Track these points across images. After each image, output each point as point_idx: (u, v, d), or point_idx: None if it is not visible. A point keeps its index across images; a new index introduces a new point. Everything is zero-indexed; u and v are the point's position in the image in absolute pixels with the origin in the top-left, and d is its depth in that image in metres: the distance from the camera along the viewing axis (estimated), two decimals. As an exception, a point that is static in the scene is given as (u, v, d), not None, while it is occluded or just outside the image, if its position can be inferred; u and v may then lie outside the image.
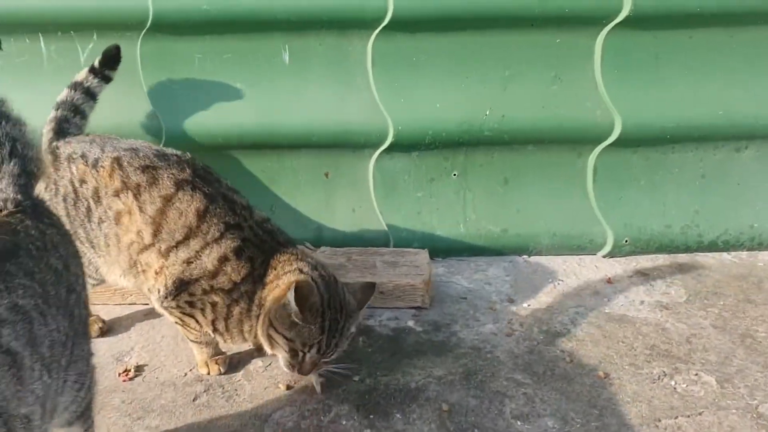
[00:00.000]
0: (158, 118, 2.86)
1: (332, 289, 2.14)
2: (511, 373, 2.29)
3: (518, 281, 2.87)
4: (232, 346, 2.37)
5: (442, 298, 2.74)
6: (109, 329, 2.55)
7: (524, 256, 3.06)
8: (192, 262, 2.14)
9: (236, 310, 2.16)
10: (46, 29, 2.81)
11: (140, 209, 2.15)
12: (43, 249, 1.53)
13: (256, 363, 2.37)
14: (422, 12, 2.79)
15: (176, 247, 2.14)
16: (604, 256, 3.03)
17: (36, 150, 1.67)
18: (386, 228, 3.00)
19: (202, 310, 2.18)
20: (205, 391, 2.23)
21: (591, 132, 2.93)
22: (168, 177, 2.17)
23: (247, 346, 2.36)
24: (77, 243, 2.22)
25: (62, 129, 2.47)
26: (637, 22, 2.78)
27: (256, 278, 2.16)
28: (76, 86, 2.55)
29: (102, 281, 2.37)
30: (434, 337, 2.50)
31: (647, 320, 2.56)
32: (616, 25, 2.79)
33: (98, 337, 2.49)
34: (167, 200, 2.15)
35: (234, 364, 2.37)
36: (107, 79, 2.61)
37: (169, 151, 2.29)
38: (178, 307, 2.19)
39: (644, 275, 2.88)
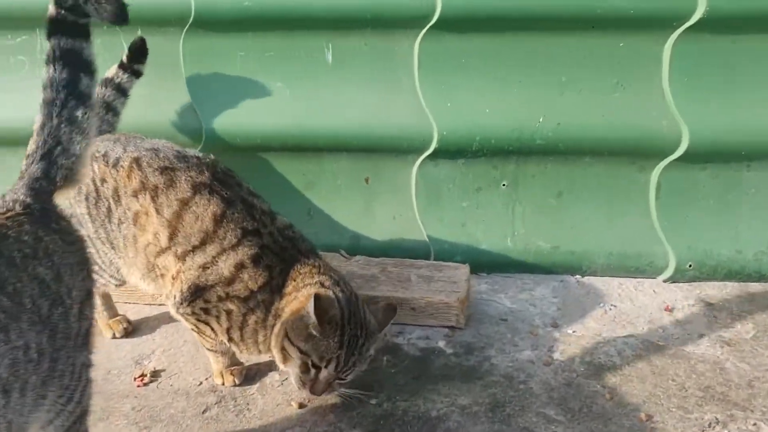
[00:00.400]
0: (198, 116, 2.80)
1: (353, 306, 2.04)
2: (543, 407, 2.09)
3: (566, 303, 2.65)
4: (249, 357, 2.28)
5: (481, 317, 2.56)
6: (134, 329, 2.53)
7: (576, 276, 2.83)
8: (208, 268, 2.06)
9: (252, 320, 2.07)
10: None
11: (157, 211, 2.08)
12: (31, 257, 1.45)
13: (273, 376, 2.27)
14: (472, 10, 2.61)
15: (192, 251, 2.07)
16: (664, 281, 2.76)
17: (75, 160, 1.60)
18: (427, 239, 2.83)
19: (217, 317, 2.10)
20: (216, 403, 2.15)
21: (655, 145, 2.67)
22: (186, 180, 2.09)
23: (265, 357, 2.26)
24: (99, 243, 2.20)
25: (95, 126, 2.44)
26: (711, 24, 2.50)
27: (274, 288, 2.07)
28: (106, 83, 2.53)
29: (124, 282, 2.33)
30: (465, 361, 2.32)
31: (704, 357, 2.30)
32: (688, 28, 2.52)
33: (123, 337, 2.49)
34: (184, 203, 2.08)
35: (251, 375, 2.28)
36: (137, 74, 2.58)
37: (191, 152, 2.21)
38: (193, 313, 2.12)
39: (708, 305, 2.60)
